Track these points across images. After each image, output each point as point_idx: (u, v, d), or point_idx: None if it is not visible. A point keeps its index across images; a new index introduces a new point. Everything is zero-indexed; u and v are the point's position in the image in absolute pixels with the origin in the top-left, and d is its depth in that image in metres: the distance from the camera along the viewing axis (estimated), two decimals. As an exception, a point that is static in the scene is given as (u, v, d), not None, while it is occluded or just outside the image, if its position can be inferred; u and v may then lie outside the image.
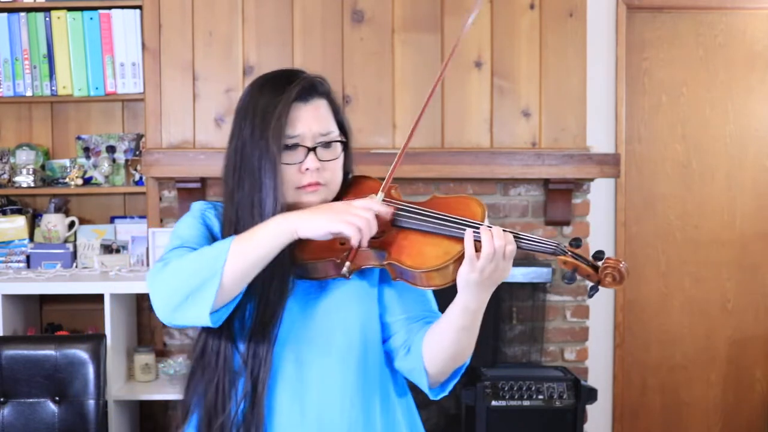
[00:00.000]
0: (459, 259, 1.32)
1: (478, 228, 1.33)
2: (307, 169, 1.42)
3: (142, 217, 3.49)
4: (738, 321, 3.83)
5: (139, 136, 3.52)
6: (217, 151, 3.23)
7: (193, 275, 1.29)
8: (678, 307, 3.81)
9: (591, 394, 3.14)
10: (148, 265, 3.31)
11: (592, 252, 1.37)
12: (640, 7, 3.68)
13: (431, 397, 1.50)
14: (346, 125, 1.51)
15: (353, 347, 1.45)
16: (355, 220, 1.30)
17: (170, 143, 3.37)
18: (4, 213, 3.41)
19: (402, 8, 3.39)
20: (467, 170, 3.24)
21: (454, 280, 1.34)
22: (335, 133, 1.47)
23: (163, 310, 1.33)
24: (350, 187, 1.52)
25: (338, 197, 1.48)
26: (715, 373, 3.84)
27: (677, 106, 3.77)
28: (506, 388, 3.09)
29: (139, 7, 3.37)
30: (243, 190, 1.41)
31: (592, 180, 3.42)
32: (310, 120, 1.43)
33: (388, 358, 1.51)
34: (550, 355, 3.51)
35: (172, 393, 3.05)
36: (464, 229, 1.33)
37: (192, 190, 3.31)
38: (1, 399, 2.23)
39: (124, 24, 3.38)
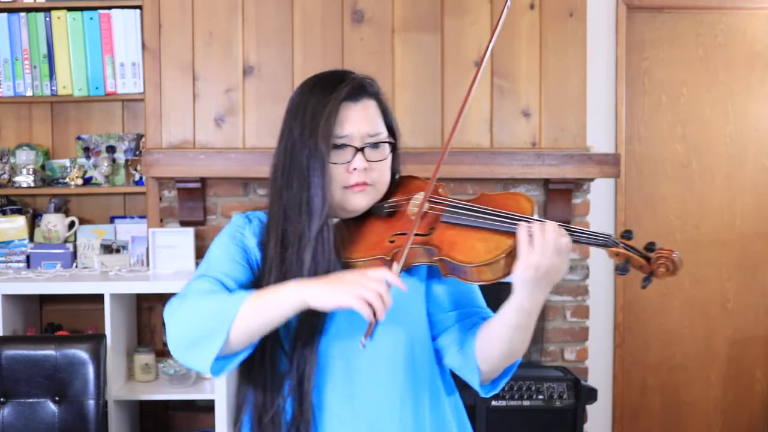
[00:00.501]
0: (510, 253, 1.33)
1: (528, 221, 1.34)
2: (355, 168, 1.43)
3: (142, 217, 3.49)
4: (738, 321, 3.83)
5: (139, 136, 3.52)
6: (217, 151, 3.24)
7: (201, 325, 1.31)
8: (678, 307, 3.81)
9: (591, 394, 3.15)
10: (148, 265, 3.31)
11: (643, 244, 1.37)
12: (640, 7, 3.68)
13: (482, 395, 1.51)
14: (395, 126, 1.53)
15: (401, 345, 1.45)
16: (367, 294, 1.25)
17: (170, 143, 3.37)
18: (4, 213, 3.41)
19: (402, 8, 3.39)
20: (467, 170, 3.24)
21: (506, 275, 1.35)
22: (384, 134, 1.49)
23: (172, 349, 1.37)
24: (398, 187, 1.53)
25: (386, 197, 1.49)
26: (715, 373, 3.84)
27: (677, 106, 3.77)
28: (506, 388, 3.09)
29: (139, 7, 3.37)
30: (291, 189, 1.42)
31: (592, 180, 3.42)
32: (359, 120, 1.44)
33: (438, 355, 1.51)
34: (550, 355, 3.51)
35: (172, 393, 3.05)
36: (515, 224, 1.34)
37: (192, 190, 3.31)
38: (1, 399, 2.23)
39: (124, 24, 3.38)
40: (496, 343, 1.41)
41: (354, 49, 3.38)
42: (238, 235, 1.48)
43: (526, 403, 3.10)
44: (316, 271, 1.39)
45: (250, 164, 3.20)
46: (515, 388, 3.10)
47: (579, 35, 3.43)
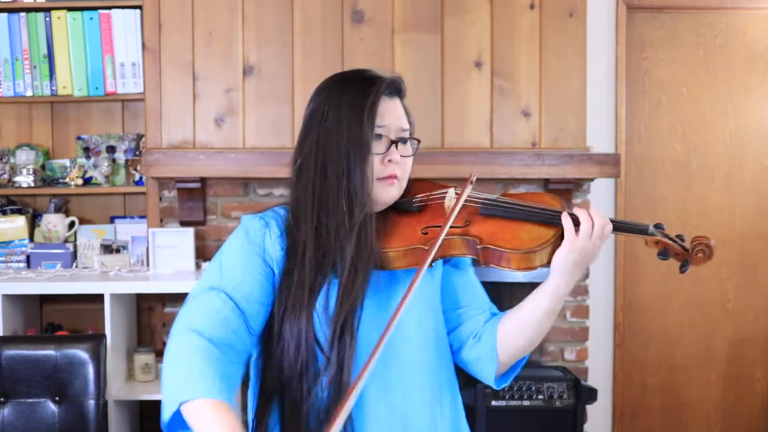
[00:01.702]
0: (555, 242, 1.39)
1: (569, 212, 1.40)
2: (390, 160, 1.45)
3: (142, 217, 3.49)
4: (738, 321, 3.83)
5: (139, 136, 3.52)
6: (217, 151, 3.24)
7: (165, 383, 1.28)
8: (678, 307, 3.81)
9: (591, 394, 3.15)
10: (148, 265, 3.31)
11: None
12: (640, 7, 3.68)
13: (495, 387, 1.54)
14: (413, 128, 1.55)
15: (428, 339, 1.48)
16: None
17: (170, 143, 3.37)
18: (4, 213, 3.41)
19: (402, 8, 3.39)
20: (467, 170, 3.23)
21: (547, 264, 1.40)
22: (409, 132, 1.52)
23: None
24: (411, 188, 1.56)
25: (403, 196, 1.52)
26: (715, 373, 3.84)
27: (677, 106, 3.77)
28: (506, 388, 3.09)
29: (139, 7, 3.37)
30: (326, 179, 1.43)
31: (592, 180, 3.42)
32: (394, 114, 1.48)
33: (451, 349, 1.54)
34: (550, 355, 3.51)
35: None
36: (556, 214, 1.41)
37: (192, 190, 3.31)
38: (1, 399, 2.23)
39: (124, 24, 3.38)
40: (525, 328, 1.45)
41: (354, 49, 3.38)
42: (255, 236, 1.44)
43: (526, 403, 3.09)
44: (357, 260, 1.39)
45: (250, 164, 3.20)
46: (515, 388, 3.10)
47: (579, 35, 3.43)
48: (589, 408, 3.40)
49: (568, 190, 3.40)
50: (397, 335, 1.44)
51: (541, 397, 3.10)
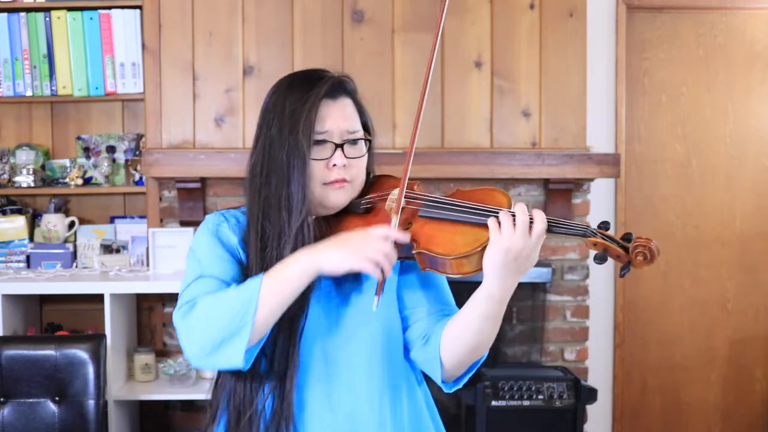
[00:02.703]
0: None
1: (507, 212, 1.35)
2: (335, 165, 1.44)
3: (142, 217, 3.49)
4: (738, 321, 3.83)
5: (139, 136, 3.52)
6: (217, 151, 3.24)
7: (224, 323, 1.31)
8: (678, 307, 3.81)
9: (591, 394, 3.14)
10: (148, 265, 3.31)
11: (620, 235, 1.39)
12: (640, 7, 3.68)
13: (444, 390, 1.51)
14: (370, 125, 1.54)
15: (377, 340, 1.46)
16: (375, 255, 1.31)
17: (170, 143, 3.37)
18: (4, 213, 3.41)
19: (402, 8, 3.39)
20: (467, 170, 3.24)
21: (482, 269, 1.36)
22: (361, 131, 1.50)
23: (194, 357, 1.35)
24: (372, 185, 1.54)
25: (360, 195, 1.51)
26: (715, 373, 3.84)
27: (677, 106, 3.77)
28: (506, 388, 3.09)
29: (139, 7, 3.37)
30: (270, 187, 1.43)
31: (592, 180, 3.42)
32: (338, 117, 1.46)
33: (405, 349, 1.53)
34: (550, 355, 3.51)
35: (172, 393, 3.05)
36: (489, 213, 1.35)
37: (192, 190, 3.31)
38: (1, 399, 2.23)
39: (124, 24, 3.38)
40: (465, 333, 1.40)
41: (354, 49, 3.38)
42: (217, 232, 1.47)
43: (526, 403, 3.09)
44: None
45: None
46: (515, 388, 3.10)
47: (579, 35, 3.43)
48: (589, 408, 3.40)
49: (568, 190, 3.40)
50: (343, 332, 1.44)
51: (541, 397, 3.10)
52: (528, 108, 3.42)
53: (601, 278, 3.66)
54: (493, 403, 3.09)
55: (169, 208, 3.39)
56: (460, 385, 1.51)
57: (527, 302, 3.52)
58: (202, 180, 3.30)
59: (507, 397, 3.09)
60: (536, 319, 3.50)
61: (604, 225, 1.37)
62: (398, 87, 3.38)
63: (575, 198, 3.46)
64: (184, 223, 3.36)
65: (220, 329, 1.31)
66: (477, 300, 1.38)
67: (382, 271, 1.33)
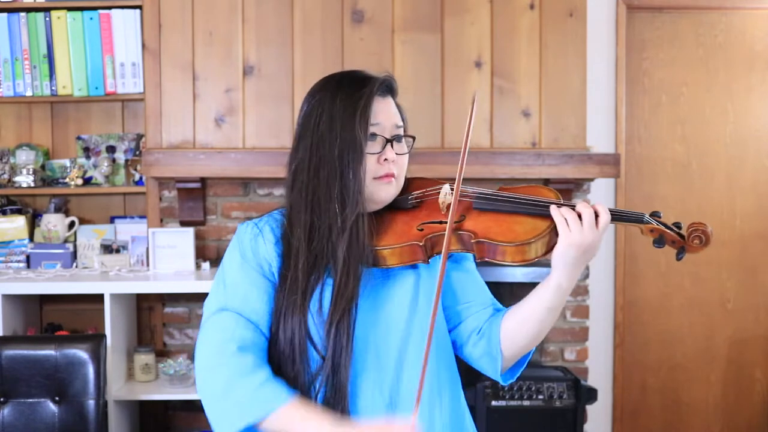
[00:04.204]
0: (549, 233, 1.39)
1: (559, 205, 1.40)
2: (386, 159, 1.46)
3: (142, 217, 3.49)
4: (738, 321, 3.83)
5: (139, 136, 3.52)
6: (217, 151, 3.24)
7: (233, 403, 1.33)
8: (678, 307, 3.81)
9: (591, 394, 3.15)
10: (148, 265, 3.31)
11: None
12: (640, 7, 3.68)
13: (502, 382, 1.55)
14: (406, 125, 1.56)
15: (425, 336, 1.46)
16: None
17: (170, 143, 3.37)
18: (4, 213, 3.41)
19: (402, 8, 3.39)
20: (467, 170, 3.18)
21: (543, 255, 1.40)
22: (403, 129, 1.53)
23: (201, 397, 1.40)
24: (409, 186, 1.56)
25: (400, 195, 1.52)
26: (715, 373, 3.84)
27: (677, 106, 3.77)
28: (506, 388, 3.09)
29: (139, 7, 3.37)
30: (319, 182, 1.44)
31: (592, 180, 3.42)
32: (388, 112, 1.49)
33: (454, 346, 1.55)
34: (550, 355, 3.51)
35: (172, 393, 3.05)
36: (548, 206, 1.40)
37: (192, 190, 3.31)
38: (1, 399, 2.23)
39: (124, 24, 3.38)
40: (529, 324, 1.45)
41: (354, 49, 3.38)
42: (250, 248, 1.47)
43: (526, 403, 3.09)
44: (350, 259, 1.40)
45: (250, 164, 3.20)
46: (515, 388, 3.10)
47: (579, 35, 3.43)
48: (589, 408, 3.40)
49: (568, 190, 3.40)
50: (394, 332, 1.45)
51: (541, 397, 3.10)
52: (528, 108, 3.42)
53: (601, 278, 3.66)
54: (493, 403, 3.09)
55: (169, 208, 3.39)
56: (515, 378, 1.56)
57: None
58: (202, 180, 3.30)
59: (507, 397, 3.09)
60: (536, 319, 3.50)
61: (657, 213, 1.44)
62: (398, 87, 3.37)
63: (575, 198, 3.46)
64: (184, 223, 3.36)
65: (226, 403, 1.34)
66: (544, 292, 1.42)
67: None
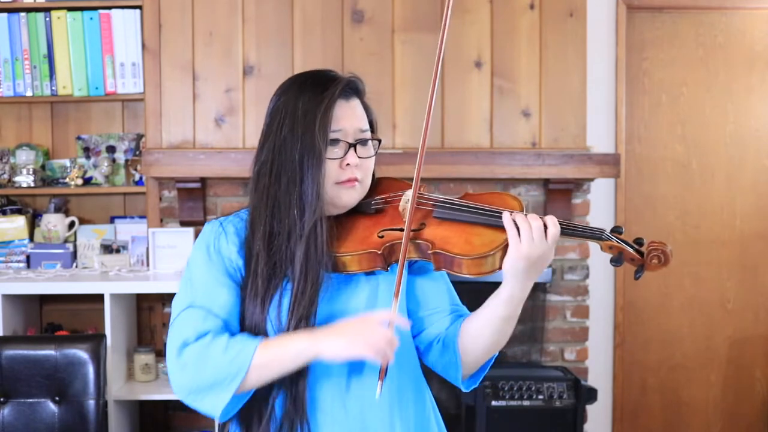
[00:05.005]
0: (506, 247, 1.37)
1: (514, 213, 1.37)
2: (348, 164, 1.45)
3: (142, 217, 3.49)
4: (738, 321, 3.83)
5: (139, 136, 3.52)
6: (217, 151, 3.24)
7: (211, 376, 1.34)
8: (678, 307, 3.81)
9: (591, 394, 3.15)
10: (148, 265, 3.31)
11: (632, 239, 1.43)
12: (640, 7, 3.68)
13: (464, 389, 1.54)
14: (375, 127, 1.54)
15: None
16: (378, 343, 1.32)
17: (170, 143, 3.37)
18: (4, 213, 3.41)
19: (402, 8, 3.39)
20: (467, 170, 3.24)
21: (499, 268, 1.38)
22: (369, 132, 1.51)
23: (177, 393, 1.40)
24: (376, 188, 1.55)
25: (366, 197, 1.51)
26: (715, 373, 3.84)
27: (677, 106, 3.77)
28: (506, 388, 3.09)
29: (139, 7, 3.37)
30: (280, 186, 1.44)
31: (592, 180, 3.42)
32: (351, 117, 1.47)
33: (418, 352, 1.54)
34: (550, 355, 3.51)
35: (172, 393, 3.03)
36: (500, 216, 1.38)
37: (192, 190, 3.31)
38: (1, 399, 2.23)
39: (124, 24, 3.38)
40: (484, 335, 1.44)
41: (354, 49, 3.38)
42: (213, 246, 1.46)
43: (526, 403, 3.09)
44: (307, 265, 1.39)
45: (249, 164, 3.19)
46: (515, 388, 3.10)
47: (579, 35, 3.43)
48: (589, 408, 3.40)
49: (568, 190, 3.40)
50: None
51: (541, 397, 3.10)
52: (528, 108, 3.42)
53: (601, 278, 3.66)
54: (493, 403, 3.09)
55: (169, 208, 3.39)
56: (477, 383, 1.54)
57: (527, 302, 3.49)
58: (202, 180, 3.30)
59: (507, 397, 3.09)
60: (536, 319, 3.50)
61: (618, 229, 1.41)
62: (398, 87, 3.38)
63: (575, 198, 3.46)
64: (184, 223, 3.36)
65: (205, 380, 1.35)
66: (496, 303, 1.42)
67: (387, 361, 1.34)
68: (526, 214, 1.37)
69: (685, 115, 3.77)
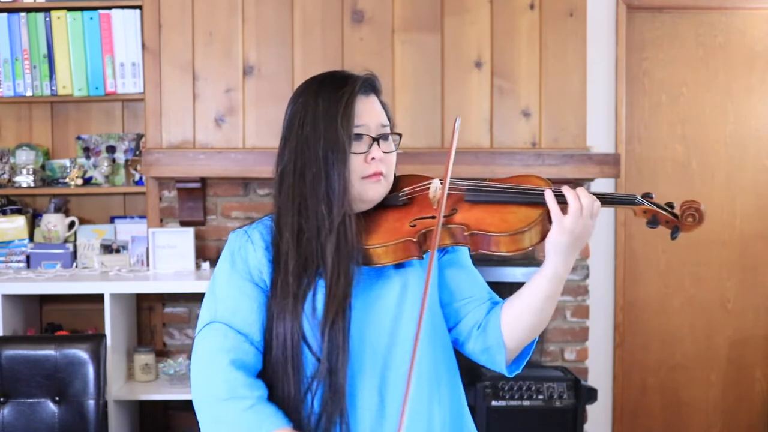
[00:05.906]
0: (543, 221, 1.39)
1: (557, 191, 1.39)
2: (373, 158, 1.45)
3: (142, 217, 3.49)
4: (738, 321, 3.83)
5: (139, 136, 3.52)
6: (217, 151, 3.24)
7: (219, 427, 1.37)
8: (678, 307, 3.81)
9: (591, 394, 3.14)
10: (148, 265, 3.31)
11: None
12: (640, 7, 3.68)
13: (507, 374, 1.54)
14: (393, 123, 1.55)
15: (426, 332, 1.46)
16: None
17: (170, 143, 3.37)
18: (4, 213, 3.41)
19: (402, 8, 3.39)
20: (467, 170, 3.24)
21: (537, 243, 1.40)
22: (389, 127, 1.52)
23: (194, 400, 1.44)
24: (399, 183, 1.56)
25: (391, 192, 1.52)
26: (715, 373, 3.84)
27: (677, 106, 3.77)
28: (506, 388, 3.09)
29: (139, 7, 3.37)
30: (305, 184, 1.44)
31: (592, 180, 3.42)
32: (372, 111, 1.48)
33: (456, 343, 1.54)
34: (550, 355, 3.51)
35: (172, 393, 3.05)
36: (540, 194, 1.40)
37: (192, 190, 3.31)
38: (1, 399, 2.23)
39: (124, 24, 3.38)
40: (528, 314, 1.45)
41: (354, 49, 3.38)
42: (239, 257, 1.47)
43: (526, 403, 3.09)
44: (339, 259, 1.40)
45: (250, 164, 3.20)
46: (515, 388, 3.10)
47: (579, 35, 3.43)
48: (589, 408, 3.40)
49: (568, 190, 3.39)
50: (385, 331, 1.44)
51: (541, 397, 3.10)
52: (528, 108, 3.42)
53: (601, 278, 3.66)
54: (493, 403, 3.09)
55: (169, 208, 3.39)
56: (520, 369, 1.54)
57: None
58: (202, 180, 3.30)
59: (507, 397, 3.09)
60: (536, 319, 3.50)
61: (649, 195, 1.46)
62: (398, 87, 3.38)
63: (575, 198, 3.46)
64: (184, 223, 3.36)
65: (214, 422, 1.39)
66: (540, 281, 1.43)
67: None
68: (573, 190, 1.39)
69: (685, 115, 3.77)
